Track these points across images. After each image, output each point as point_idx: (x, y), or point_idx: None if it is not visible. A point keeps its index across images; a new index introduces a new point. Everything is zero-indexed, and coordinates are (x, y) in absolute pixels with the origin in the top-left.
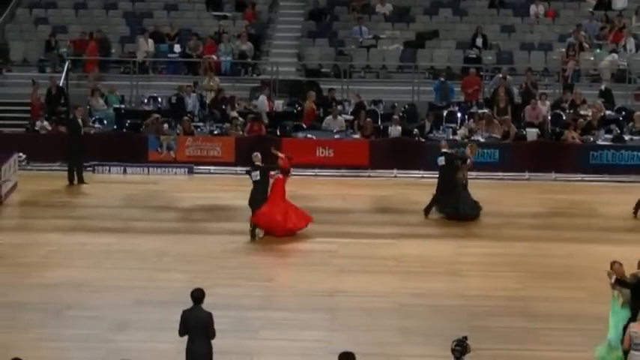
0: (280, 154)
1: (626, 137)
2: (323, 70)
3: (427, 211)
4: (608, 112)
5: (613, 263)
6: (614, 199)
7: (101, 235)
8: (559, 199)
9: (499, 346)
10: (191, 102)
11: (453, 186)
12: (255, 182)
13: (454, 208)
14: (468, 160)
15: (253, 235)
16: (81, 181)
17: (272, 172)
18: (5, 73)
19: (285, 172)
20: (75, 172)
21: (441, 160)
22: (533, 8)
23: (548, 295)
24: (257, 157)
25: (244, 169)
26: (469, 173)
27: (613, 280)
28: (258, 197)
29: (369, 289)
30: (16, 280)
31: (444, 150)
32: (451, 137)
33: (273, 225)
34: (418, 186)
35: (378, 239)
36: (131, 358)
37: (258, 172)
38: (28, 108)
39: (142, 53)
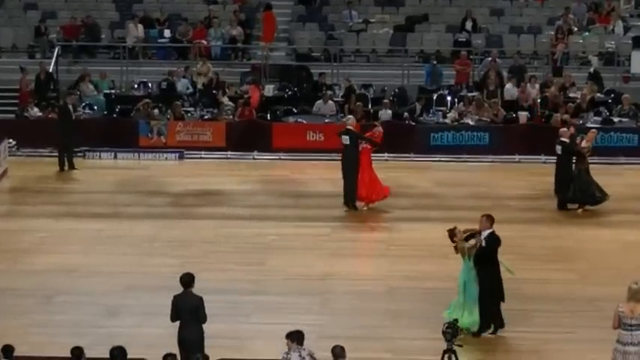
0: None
1: (615, 119)
2: (313, 54)
3: (563, 205)
4: (597, 95)
5: (455, 230)
6: (604, 181)
7: (92, 220)
8: (549, 181)
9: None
10: (181, 85)
11: (574, 175)
12: (345, 146)
13: (591, 196)
14: (585, 150)
15: (354, 205)
16: (71, 166)
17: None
18: None
19: (374, 144)
20: (65, 158)
21: (558, 149)
22: None
23: (538, 277)
24: (350, 119)
25: (235, 153)
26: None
27: (483, 239)
28: (347, 162)
29: (360, 272)
30: (6, 266)
31: (562, 139)
32: (441, 120)
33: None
34: (409, 169)
35: (368, 223)
36: (122, 344)
37: (348, 137)
38: (18, 94)
39: (132, 39)
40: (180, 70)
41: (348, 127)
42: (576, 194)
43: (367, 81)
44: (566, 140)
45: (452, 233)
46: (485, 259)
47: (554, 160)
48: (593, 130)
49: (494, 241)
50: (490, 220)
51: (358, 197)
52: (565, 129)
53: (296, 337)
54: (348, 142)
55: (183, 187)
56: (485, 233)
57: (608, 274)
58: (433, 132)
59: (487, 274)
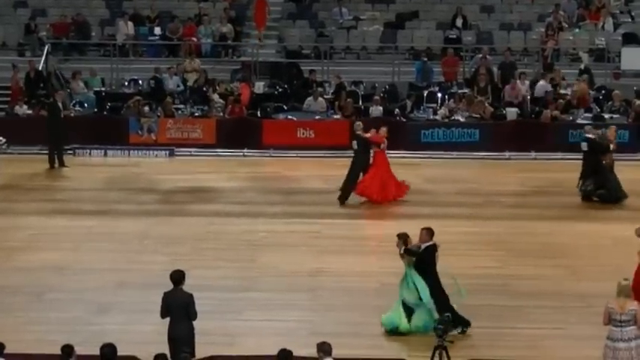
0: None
1: (606, 116)
2: (303, 51)
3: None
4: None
5: (400, 235)
6: None
7: (82, 218)
8: (539, 177)
9: (480, 324)
10: (172, 83)
11: (599, 170)
12: (355, 151)
13: (609, 191)
14: (611, 145)
15: (342, 202)
16: (62, 164)
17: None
18: None
19: (378, 146)
20: (55, 156)
21: (584, 146)
22: None
23: (528, 273)
24: (359, 126)
25: (225, 150)
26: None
27: (402, 250)
28: (353, 165)
29: (351, 269)
30: None
31: (587, 135)
32: (431, 117)
33: (370, 192)
34: (399, 166)
35: (359, 219)
36: (113, 341)
37: (356, 142)
38: (8, 92)
39: (122, 36)
40: (172, 69)
41: (358, 132)
42: (594, 188)
43: (358, 78)
44: (592, 136)
45: (403, 237)
46: (422, 271)
47: (580, 157)
48: (612, 125)
49: (429, 254)
50: (430, 233)
51: (361, 191)
52: (590, 126)
53: (283, 357)
54: (356, 147)
55: (174, 184)
56: (424, 246)
57: (599, 270)
58: (424, 129)
59: (428, 284)
